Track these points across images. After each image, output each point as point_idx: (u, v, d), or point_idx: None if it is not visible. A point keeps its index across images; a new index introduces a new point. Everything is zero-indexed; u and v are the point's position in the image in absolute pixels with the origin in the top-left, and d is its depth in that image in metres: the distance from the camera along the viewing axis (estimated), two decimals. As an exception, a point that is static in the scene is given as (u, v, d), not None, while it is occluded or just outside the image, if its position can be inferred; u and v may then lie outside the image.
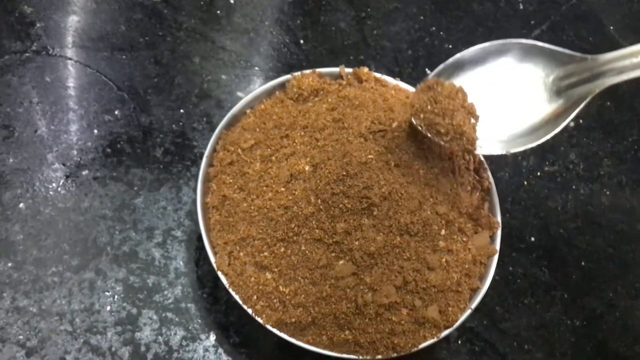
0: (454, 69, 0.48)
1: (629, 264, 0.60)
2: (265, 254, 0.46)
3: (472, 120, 0.46)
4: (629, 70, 0.43)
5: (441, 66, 0.48)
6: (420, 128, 0.46)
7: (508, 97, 0.47)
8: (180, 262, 0.53)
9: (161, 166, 0.57)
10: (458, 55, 0.48)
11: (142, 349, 0.50)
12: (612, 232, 0.61)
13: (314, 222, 0.45)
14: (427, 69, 0.67)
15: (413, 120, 0.46)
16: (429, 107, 0.45)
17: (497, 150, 0.47)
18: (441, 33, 0.70)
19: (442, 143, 0.46)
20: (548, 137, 0.46)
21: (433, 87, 0.46)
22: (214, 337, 0.51)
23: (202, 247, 0.49)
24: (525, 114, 0.47)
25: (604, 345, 0.56)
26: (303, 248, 0.45)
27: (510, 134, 0.47)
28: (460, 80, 0.48)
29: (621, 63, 0.43)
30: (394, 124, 0.48)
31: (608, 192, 0.63)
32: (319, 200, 0.45)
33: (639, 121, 0.68)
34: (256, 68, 0.64)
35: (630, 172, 0.64)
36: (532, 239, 0.59)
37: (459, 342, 0.54)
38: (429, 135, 0.46)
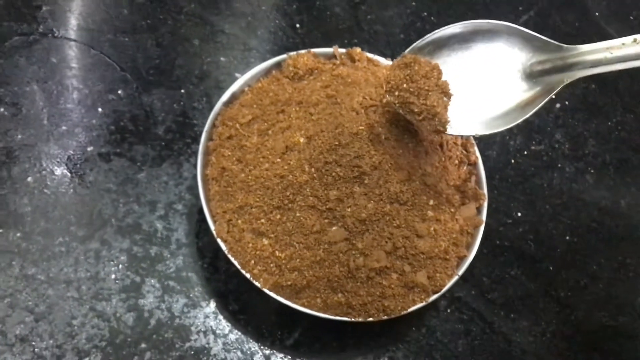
0: (434, 47, 0.49)
1: (612, 238, 0.62)
2: (262, 221, 0.48)
3: (445, 99, 0.46)
4: (603, 64, 0.43)
5: (420, 42, 0.48)
6: (393, 105, 0.47)
7: (484, 79, 0.48)
8: (182, 233, 0.56)
9: (163, 143, 0.59)
10: (439, 33, 0.49)
11: (146, 314, 0.52)
12: (596, 208, 0.63)
13: (308, 190, 0.48)
14: (418, 52, 0.69)
15: (387, 96, 0.47)
16: (404, 85, 0.46)
17: (467, 131, 0.47)
18: (432, 18, 0.72)
19: (414, 122, 0.47)
20: (515, 123, 0.46)
21: (410, 64, 0.46)
22: (214, 304, 0.53)
23: (203, 220, 0.52)
24: (498, 97, 0.47)
25: (588, 315, 0.58)
26: (298, 215, 0.48)
27: (482, 116, 0.47)
28: (438, 57, 0.48)
29: (595, 56, 0.44)
30: (385, 100, 0.51)
31: (592, 171, 0.65)
32: (313, 169, 0.48)
33: (622, 103, 0.70)
34: (254, 51, 0.66)
35: (613, 152, 0.67)
36: (519, 214, 0.62)
37: (448, 310, 0.56)
38: (401, 112, 0.47)
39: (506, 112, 0.47)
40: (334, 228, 0.47)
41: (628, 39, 0.43)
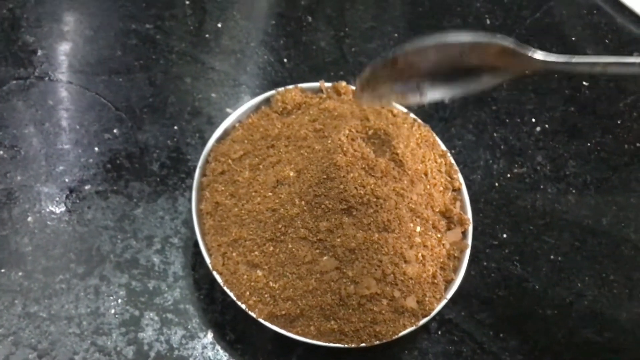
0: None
1: (595, 256, 0.64)
2: (256, 253, 0.50)
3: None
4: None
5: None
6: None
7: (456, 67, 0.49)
8: (179, 266, 0.57)
9: (158, 179, 0.61)
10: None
11: (145, 347, 0.53)
12: (579, 227, 0.65)
13: (299, 222, 0.50)
14: (402, 82, 0.72)
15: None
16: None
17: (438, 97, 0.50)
18: (414, 49, 0.75)
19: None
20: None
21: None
22: (212, 335, 0.55)
23: (198, 252, 0.53)
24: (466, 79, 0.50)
25: (575, 332, 0.60)
26: (290, 246, 0.50)
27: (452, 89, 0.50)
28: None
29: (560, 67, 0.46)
30: (370, 132, 0.53)
31: (574, 191, 0.68)
32: (303, 202, 0.50)
33: (600, 124, 0.73)
34: (244, 86, 0.69)
35: (594, 171, 0.69)
36: (504, 235, 0.64)
37: (439, 332, 0.58)
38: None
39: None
40: (325, 258, 0.49)
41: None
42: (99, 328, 0.54)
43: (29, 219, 0.57)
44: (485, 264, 0.62)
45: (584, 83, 0.75)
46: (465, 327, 0.58)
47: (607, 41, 0.80)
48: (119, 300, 0.55)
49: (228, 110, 0.66)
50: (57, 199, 0.59)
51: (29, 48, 0.67)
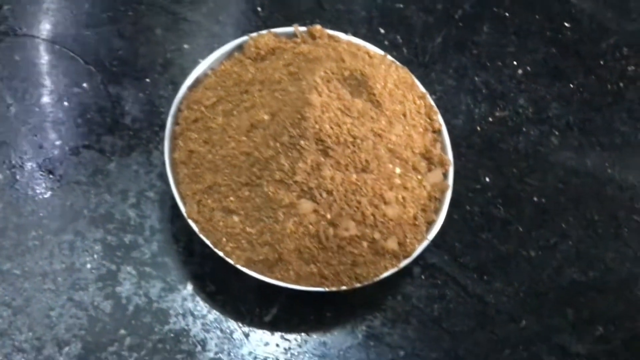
0: None
1: (579, 197, 0.63)
2: (231, 198, 0.49)
3: None
4: None
5: None
6: None
7: None
8: (155, 220, 0.56)
9: (131, 132, 0.60)
10: None
11: (124, 301, 0.52)
12: (562, 168, 0.65)
13: (274, 165, 0.48)
14: (380, 29, 0.70)
15: None
16: None
17: None
18: (392, -7, 0.73)
19: None
20: None
21: None
22: (191, 287, 0.54)
23: (175, 205, 0.52)
24: None
25: (559, 272, 0.59)
26: (266, 190, 0.48)
27: None
28: None
29: None
30: (346, 73, 0.52)
31: (557, 133, 0.67)
32: (278, 144, 0.48)
33: (583, 65, 0.71)
34: (217, 36, 0.67)
35: (577, 113, 0.68)
36: (487, 179, 0.63)
37: (423, 276, 0.57)
38: None
39: None
40: (302, 200, 0.48)
41: None
42: (75, 283, 0.53)
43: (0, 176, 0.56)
44: (468, 207, 0.61)
45: (566, 24, 0.74)
46: (449, 271, 0.58)
47: None
48: (95, 255, 0.54)
49: (200, 60, 0.64)
50: (28, 155, 0.57)
51: (-7, 3, 0.65)
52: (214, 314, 0.53)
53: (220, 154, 0.50)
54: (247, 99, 0.52)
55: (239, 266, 0.49)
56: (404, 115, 0.53)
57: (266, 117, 0.50)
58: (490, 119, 0.66)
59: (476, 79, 0.69)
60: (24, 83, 0.61)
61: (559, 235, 0.61)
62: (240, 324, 0.53)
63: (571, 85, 0.70)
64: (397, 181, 0.51)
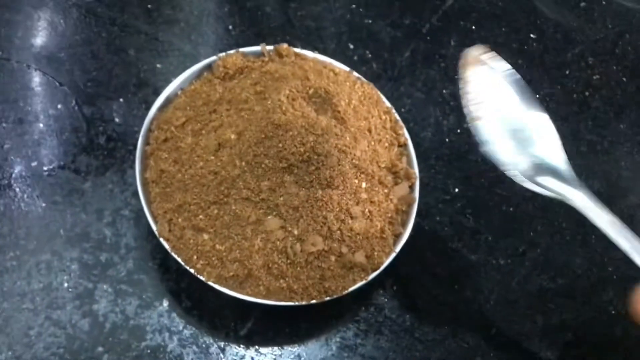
0: None
1: (547, 205, 0.64)
2: (201, 217, 0.50)
3: None
4: None
5: None
6: None
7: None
8: (130, 237, 0.57)
9: (105, 152, 0.61)
10: None
11: (101, 319, 0.53)
12: (530, 177, 0.66)
13: (240, 183, 0.50)
14: (349, 44, 0.71)
15: None
16: None
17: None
18: (360, 9, 0.74)
19: None
20: None
21: None
22: (167, 303, 0.55)
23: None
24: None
25: (528, 279, 0.61)
26: (233, 207, 0.50)
27: None
28: None
29: None
30: (311, 91, 0.53)
31: (524, 142, 0.68)
32: (244, 163, 0.50)
33: (548, 75, 0.73)
34: (189, 55, 0.68)
35: (543, 122, 0.70)
36: (456, 190, 0.64)
37: (395, 287, 0.58)
38: None
39: None
40: (269, 217, 0.49)
41: None
42: (52, 302, 0.53)
43: (-25, 198, 0.57)
44: (438, 218, 0.62)
45: (531, 35, 0.76)
46: (421, 281, 0.59)
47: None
48: (72, 274, 0.55)
49: (173, 79, 0.65)
50: (4, 178, 0.58)
51: (-34, 27, 0.66)
52: (190, 330, 0.54)
53: (190, 173, 0.52)
54: (215, 119, 0.54)
55: (210, 283, 0.50)
56: (369, 130, 0.55)
57: (233, 136, 0.51)
58: (459, 131, 0.68)
59: (444, 91, 0.70)
60: (-1, 106, 0.62)
61: (527, 243, 0.62)
62: (216, 339, 0.54)
63: (537, 96, 0.71)
64: (364, 196, 0.52)
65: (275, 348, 0.55)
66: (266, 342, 0.55)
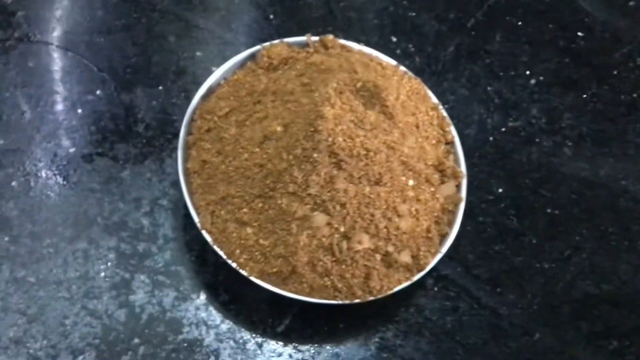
0: None
1: (593, 209, 0.63)
2: (245, 210, 0.49)
3: None
4: None
5: None
6: None
7: None
8: (168, 228, 0.56)
9: (144, 140, 0.60)
10: None
11: (137, 310, 0.53)
12: (575, 179, 0.64)
13: (287, 177, 0.48)
14: (392, 37, 0.70)
15: None
16: None
17: None
18: (404, 2, 0.73)
19: None
20: None
21: None
22: (204, 296, 0.54)
23: (188, 214, 0.52)
24: None
25: (573, 285, 0.59)
26: (279, 202, 0.48)
27: None
28: None
29: None
30: (359, 84, 0.52)
31: (570, 143, 0.66)
32: (291, 157, 0.48)
33: (596, 75, 0.71)
34: (229, 44, 0.67)
35: (590, 123, 0.68)
36: (500, 190, 0.63)
37: (436, 288, 0.57)
38: None
39: None
40: (315, 213, 0.48)
41: None
42: (89, 292, 0.53)
43: (13, 183, 0.56)
44: (481, 219, 0.61)
45: (579, 34, 0.74)
46: (462, 283, 0.58)
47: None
48: (109, 264, 0.54)
49: (213, 68, 0.64)
50: (42, 162, 0.57)
51: (7, 9, 0.65)
52: (227, 324, 0.53)
53: (234, 164, 0.51)
54: (260, 110, 0.53)
55: (252, 278, 0.49)
56: (417, 127, 0.53)
57: (279, 128, 0.50)
58: (503, 129, 0.66)
59: (489, 88, 0.69)
60: (38, 90, 0.61)
61: (572, 248, 0.61)
62: (254, 335, 0.53)
63: (584, 96, 0.70)
64: (410, 193, 0.51)
65: (314, 346, 0.53)
66: (304, 340, 0.54)
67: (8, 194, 0.55)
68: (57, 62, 0.63)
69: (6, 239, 0.54)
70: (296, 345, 0.53)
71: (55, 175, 0.57)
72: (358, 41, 0.61)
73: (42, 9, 0.66)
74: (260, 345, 0.53)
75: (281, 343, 0.53)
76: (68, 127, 0.60)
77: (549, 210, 0.62)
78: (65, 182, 0.57)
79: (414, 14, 0.72)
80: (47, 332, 0.51)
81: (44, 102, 0.60)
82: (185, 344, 0.52)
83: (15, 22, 0.64)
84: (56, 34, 0.65)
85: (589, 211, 0.63)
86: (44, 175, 0.57)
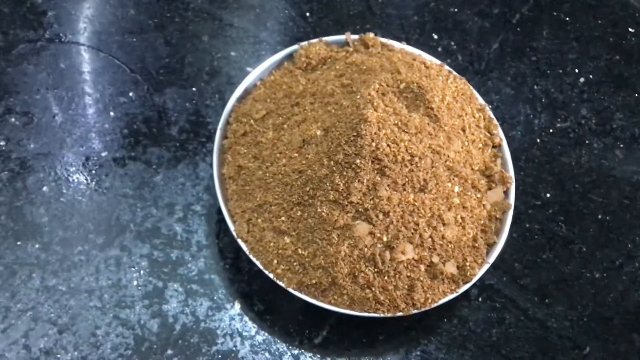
0: None
1: (646, 214, 0.60)
2: (283, 218, 0.47)
3: None
4: None
5: None
6: None
7: None
8: (202, 235, 0.54)
9: (177, 144, 0.58)
10: None
11: (170, 320, 0.51)
12: (628, 184, 0.61)
13: (328, 184, 0.46)
14: (433, 34, 0.67)
15: None
16: None
17: None
18: (446, -3, 0.70)
19: None
20: None
21: None
22: (239, 306, 0.52)
23: (222, 220, 0.51)
24: None
25: (625, 295, 0.56)
26: (319, 210, 0.46)
27: None
28: None
29: None
30: (402, 85, 0.49)
31: (622, 145, 0.63)
32: (332, 162, 0.46)
33: (649, 73, 0.68)
34: (264, 43, 0.65)
35: (643, 124, 0.65)
36: (548, 195, 0.60)
37: (480, 299, 0.54)
38: None
39: None
40: (357, 222, 0.46)
41: None
42: (121, 301, 0.51)
43: (44, 188, 0.55)
44: (527, 225, 0.58)
45: (630, 29, 0.70)
46: (508, 293, 0.55)
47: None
48: (141, 272, 0.52)
49: (248, 69, 0.62)
50: (73, 167, 0.56)
51: (38, 9, 0.64)
52: (262, 335, 0.51)
53: (271, 170, 0.48)
54: (298, 113, 0.50)
55: (290, 289, 0.47)
56: (463, 130, 0.51)
57: (319, 132, 0.48)
58: (551, 131, 0.63)
59: (535, 87, 0.66)
60: (69, 92, 0.60)
61: (625, 256, 0.58)
62: (290, 347, 0.51)
63: (636, 95, 0.66)
64: (456, 201, 0.48)
65: (352, 358, 0.51)
66: (342, 352, 0.51)
67: (39, 199, 0.54)
68: (88, 63, 0.62)
69: (37, 246, 0.52)
70: (334, 357, 0.51)
71: (87, 180, 0.56)
72: (398, 39, 0.59)
73: (73, 9, 0.64)
74: (296, 358, 0.51)
75: (318, 355, 0.51)
76: (100, 130, 0.58)
77: (599, 216, 0.59)
78: (97, 187, 0.55)
79: (455, 9, 0.69)
80: (78, 343, 0.49)
81: (75, 105, 0.59)
82: (220, 356, 0.50)
83: (46, 22, 0.63)
84: (87, 34, 0.63)
85: (642, 217, 0.60)
86: (75, 180, 0.55)
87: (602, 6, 0.72)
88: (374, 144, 0.45)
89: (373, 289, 0.46)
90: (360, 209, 0.46)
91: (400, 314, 0.47)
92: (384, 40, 0.56)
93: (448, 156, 0.48)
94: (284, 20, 0.67)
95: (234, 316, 0.52)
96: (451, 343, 0.53)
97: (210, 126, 0.59)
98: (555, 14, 0.71)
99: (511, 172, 0.53)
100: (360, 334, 0.52)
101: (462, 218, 0.48)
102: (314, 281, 0.46)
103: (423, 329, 0.53)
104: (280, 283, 0.47)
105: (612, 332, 0.54)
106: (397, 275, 0.46)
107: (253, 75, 0.54)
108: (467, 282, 0.48)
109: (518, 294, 0.55)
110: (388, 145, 0.45)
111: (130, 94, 0.60)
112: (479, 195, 0.50)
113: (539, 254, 0.57)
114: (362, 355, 0.52)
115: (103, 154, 0.57)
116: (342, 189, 0.46)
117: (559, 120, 0.64)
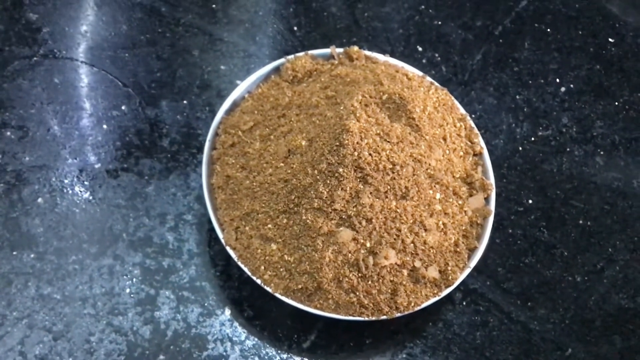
0: None
1: (626, 220, 0.61)
2: (269, 226, 0.49)
3: None
4: None
5: None
6: None
7: None
8: (193, 243, 0.56)
9: (169, 155, 0.60)
10: None
11: (162, 326, 0.52)
12: (608, 190, 0.63)
13: (312, 193, 0.48)
14: (418, 46, 0.69)
15: None
16: None
17: None
18: (430, 10, 0.72)
19: None
20: None
21: None
22: (229, 312, 0.53)
23: (213, 229, 0.52)
24: None
25: (606, 298, 0.57)
26: (304, 218, 0.48)
27: None
28: None
29: None
30: (384, 97, 0.51)
31: (602, 152, 0.65)
32: (316, 171, 0.48)
33: (628, 82, 0.69)
34: (254, 57, 0.67)
35: (622, 132, 0.66)
36: (530, 201, 0.61)
37: (464, 303, 0.56)
38: None
39: None
40: (341, 229, 0.47)
41: None
42: (114, 308, 0.53)
43: (40, 200, 0.56)
44: (510, 231, 0.59)
45: (610, 39, 0.72)
46: (492, 297, 0.56)
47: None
48: (134, 280, 0.54)
49: (238, 82, 0.64)
50: (67, 179, 0.58)
51: (32, 26, 0.65)
52: (252, 340, 0.52)
53: (258, 180, 0.50)
54: (285, 124, 0.52)
55: (277, 295, 0.48)
56: (444, 139, 0.52)
57: (304, 142, 0.49)
58: (533, 139, 0.65)
59: (517, 97, 0.67)
60: (63, 106, 0.61)
61: (605, 260, 0.59)
62: (279, 351, 0.52)
63: (616, 103, 0.68)
64: (438, 207, 0.50)
65: (340, 362, 0.53)
66: (330, 356, 0.53)
67: (34, 210, 0.56)
68: (82, 77, 0.63)
69: (32, 255, 0.54)
70: (322, 361, 0.53)
71: (81, 191, 0.57)
72: (383, 51, 0.60)
73: (67, 25, 0.66)
74: (286, 362, 0.52)
75: (307, 359, 0.52)
76: (94, 142, 0.60)
77: (580, 222, 0.61)
78: (91, 198, 0.57)
79: (439, 22, 0.71)
80: (72, 350, 0.51)
81: (69, 118, 0.60)
82: (211, 361, 0.52)
83: (40, 38, 0.65)
84: (81, 49, 0.65)
85: (622, 222, 0.61)
86: (69, 191, 0.57)
87: (582, 17, 0.74)
88: (356, 153, 0.47)
89: (357, 294, 0.47)
90: (343, 216, 0.47)
91: (384, 317, 0.48)
92: (367, 53, 0.58)
93: (429, 164, 0.50)
94: (272, 35, 0.69)
95: (224, 322, 0.53)
96: (436, 346, 0.54)
97: (201, 138, 0.61)
98: (536, 25, 0.72)
99: (492, 179, 0.54)
100: (347, 338, 0.53)
101: (443, 224, 0.50)
102: (300, 286, 0.48)
103: (409, 332, 0.54)
104: (268, 288, 0.48)
105: (593, 334, 0.56)
106: (380, 280, 0.47)
107: (241, 88, 0.56)
108: (449, 285, 0.49)
109: (501, 297, 0.56)
110: (370, 154, 0.47)
111: (123, 107, 0.62)
112: (460, 202, 0.52)
113: (522, 258, 0.58)
114: (349, 358, 0.53)
115: (97, 166, 0.58)
116: (326, 197, 0.47)
117: (540, 128, 0.65)
